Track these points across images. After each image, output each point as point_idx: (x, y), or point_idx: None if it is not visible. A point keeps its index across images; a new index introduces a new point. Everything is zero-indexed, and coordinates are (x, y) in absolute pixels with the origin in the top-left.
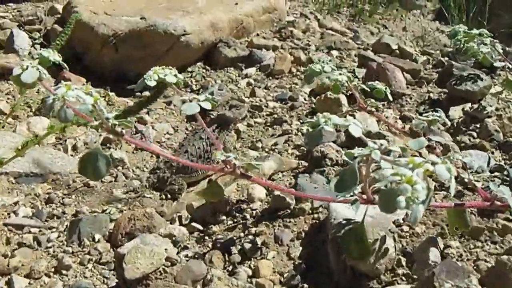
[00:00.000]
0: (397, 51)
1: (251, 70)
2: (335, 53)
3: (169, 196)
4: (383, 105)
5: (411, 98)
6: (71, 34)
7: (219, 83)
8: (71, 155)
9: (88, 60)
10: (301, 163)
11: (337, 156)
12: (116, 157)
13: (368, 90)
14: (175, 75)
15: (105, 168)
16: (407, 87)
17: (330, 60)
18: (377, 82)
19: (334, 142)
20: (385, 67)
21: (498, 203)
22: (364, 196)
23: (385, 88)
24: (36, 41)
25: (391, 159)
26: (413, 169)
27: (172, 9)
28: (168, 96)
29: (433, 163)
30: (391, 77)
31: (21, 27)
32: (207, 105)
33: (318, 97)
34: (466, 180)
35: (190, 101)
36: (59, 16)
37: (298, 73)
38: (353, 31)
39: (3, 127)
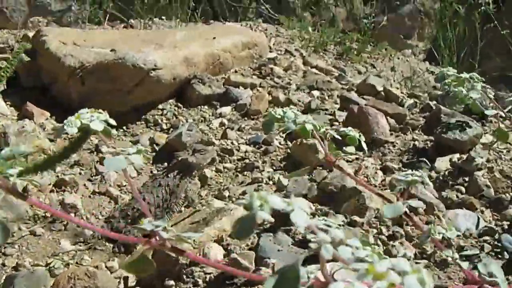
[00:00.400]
0: (383, 93)
1: (226, 109)
2: (316, 93)
3: (122, 249)
4: (364, 153)
5: (394, 146)
6: (39, 64)
7: (189, 123)
8: (18, 199)
9: (56, 91)
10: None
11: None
12: (68, 203)
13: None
14: (105, 121)
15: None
16: (391, 134)
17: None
18: (350, 128)
19: (305, 196)
20: (367, 111)
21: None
22: None
23: (359, 136)
24: (1, 71)
25: (346, 260)
26: (374, 280)
27: (147, 41)
28: (136, 134)
29: (402, 273)
30: (373, 122)
31: None
32: (138, 160)
33: (294, 141)
34: (450, 258)
35: (117, 154)
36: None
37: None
38: (340, 70)
39: None
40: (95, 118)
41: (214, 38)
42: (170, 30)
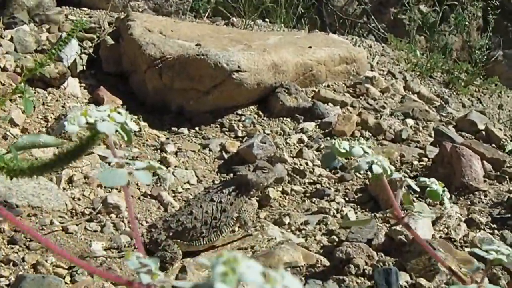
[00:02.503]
0: (484, 132)
1: (309, 125)
2: (410, 122)
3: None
4: (450, 197)
5: (486, 196)
6: (121, 49)
7: (263, 135)
8: (63, 189)
9: (133, 80)
10: (322, 260)
11: (366, 264)
12: (111, 202)
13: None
14: (121, 124)
15: None
16: (484, 181)
17: (368, 139)
18: (433, 180)
19: (369, 241)
20: (461, 152)
21: None
22: None
23: (443, 190)
24: (85, 50)
25: None
26: None
27: (235, 40)
28: (208, 137)
29: None
30: (466, 165)
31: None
32: (145, 178)
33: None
34: None
35: (121, 166)
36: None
37: (361, 138)
38: (443, 100)
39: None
40: (107, 118)
41: (310, 47)
42: (264, 32)
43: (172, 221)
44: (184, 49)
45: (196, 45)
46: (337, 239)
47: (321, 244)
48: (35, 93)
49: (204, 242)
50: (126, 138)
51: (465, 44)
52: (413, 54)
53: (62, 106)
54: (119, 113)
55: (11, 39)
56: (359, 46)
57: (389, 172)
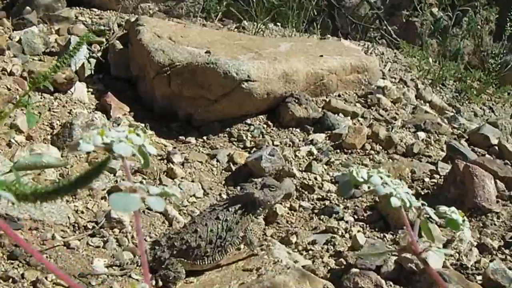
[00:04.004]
0: (497, 147)
1: (319, 137)
2: (422, 135)
3: (160, 283)
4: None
5: (498, 218)
6: (130, 54)
7: (271, 147)
8: (66, 201)
9: (141, 87)
10: (328, 286)
11: None
12: (114, 217)
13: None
14: (139, 146)
15: None
16: (497, 201)
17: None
18: (453, 209)
19: (378, 268)
20: (473, 172)
21: None
22: None
23: (463, 220)
24: (94, 54)
25: None
26: None
27: (246, 48)
28: (215, 147)
29: None
30: (478, 186)
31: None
32: (158, 205)
33: None
34: None
35: (134, 190)
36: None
37: (372, 152)
38: (455, 109)
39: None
40: (124, 139)
41: (321, 56)
42: (275, 38)
43: (176, 239)
44: (194, 56)
45: (205, 52)
46: (345, 263)
47: (328, 267)
48: (41, 98)
49: (209, 262)
50: (143, 162)
51: (477, 48)
52: (425, 61)
53: (69, 113)
54: (137, 134)
55: (19, 41)
56: (371, 53)
57: (408, 204)
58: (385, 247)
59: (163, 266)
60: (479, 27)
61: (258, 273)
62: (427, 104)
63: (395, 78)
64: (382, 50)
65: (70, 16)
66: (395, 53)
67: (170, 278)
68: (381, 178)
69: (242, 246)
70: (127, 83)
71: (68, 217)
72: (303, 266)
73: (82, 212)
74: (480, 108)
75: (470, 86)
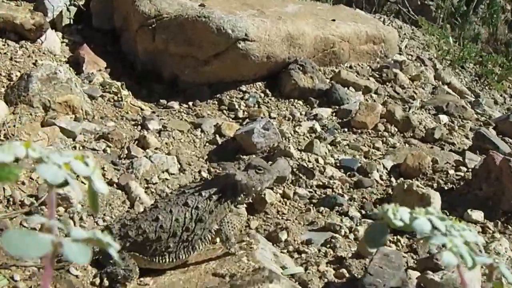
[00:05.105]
0: None
1: (324, 111)
2: (445, 118)
3: (106, 282)
4: (495, 225)
5: None
6: (116, 3)
7: (266, 120)
8: None
9: (124, 42)
10: None
11: None
12: (59, 192)
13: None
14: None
15: None
16: None
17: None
18: None
19: None
20: None
21: None
22: None
23: None
24: (75, 1)
25: None
26: None
27: (248, 4)
28: (202, 115)
29: None
30: None
31: None
32: (80, 256)
33: (401, 179)
34: None
35: (48, 230)
36: None
37: (386, 133)
38: (474, 94)
39: None
40: (60, 163)
41: (334, 20)
42: None
43: (131, 227)
44: (185, 8)
45: (199, 5)
46: (347, 274)
47: (325, 280)
48: (4, 45)
49: (170, 260)
50: (90, 203)
51: (491, 37)
52: (445, 41)
53: (34, 64)
54: (86, 163)
55: None
56: (388, 25)
57: (470, 264)
58: (401, 258)
59: (111, 261)
60: (494, 16)
61: (231, 283)
62: (446, 86)
63: (411, 56)
64: (400, 24)
65: None
66: (412, 29)
67: (119, 277)
68: (431, 222)
69: (218, 239)
70: (109, 36)
71: (4, 188)
72: (292, 276)
73: (23, 183)
74: (501, 95)
75: (492, 72)
